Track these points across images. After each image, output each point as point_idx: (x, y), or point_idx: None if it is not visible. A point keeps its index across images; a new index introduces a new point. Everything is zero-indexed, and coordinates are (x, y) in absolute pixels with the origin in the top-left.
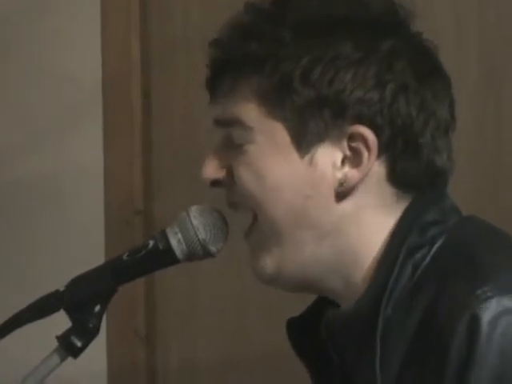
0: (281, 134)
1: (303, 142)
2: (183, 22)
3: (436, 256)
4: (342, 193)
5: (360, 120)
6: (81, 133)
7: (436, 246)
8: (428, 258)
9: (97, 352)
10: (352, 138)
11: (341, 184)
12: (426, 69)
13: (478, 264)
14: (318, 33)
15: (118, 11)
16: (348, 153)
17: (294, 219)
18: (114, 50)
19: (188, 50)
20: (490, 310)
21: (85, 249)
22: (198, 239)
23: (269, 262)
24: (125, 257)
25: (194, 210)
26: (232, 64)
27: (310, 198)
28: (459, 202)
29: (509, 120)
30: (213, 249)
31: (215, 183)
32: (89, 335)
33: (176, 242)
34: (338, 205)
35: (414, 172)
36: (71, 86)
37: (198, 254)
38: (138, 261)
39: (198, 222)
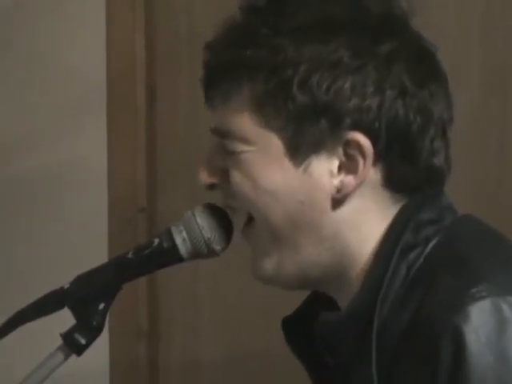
0: (275, 144)
1: (298, 153)
2: (188, 18)
3: (429, 256)
4: (339, 199)
5: (357, 127)
6: (85, 130)
7: (430, 245)
8: (422, 258)
9: (99, 349)
10: (348, 144)
11: (338, 190)
12: (424, 70)
13: (472, 264)
14: (316, 38)
15: (123, 8)
16: (344, 159)
17: (291, 223)
18: (119, 46)
19: (193, 46)
20: (484, 310)
21: (88, 246)
22: (203, 238)
23: (267, 265)
24: (130, 255)
25: (199, 209)
26: (227, 70)
27: (304, 203)
28: (461, 204)
29: None
30: (217, 248)
31: (212, 187)
32: (93, 333)
33: (181, 240)
34: (335, 210)
35: (411, 176)
36: (75, 82)
37: (203, 252)
38: (142, 259)
39: (204, 220)
